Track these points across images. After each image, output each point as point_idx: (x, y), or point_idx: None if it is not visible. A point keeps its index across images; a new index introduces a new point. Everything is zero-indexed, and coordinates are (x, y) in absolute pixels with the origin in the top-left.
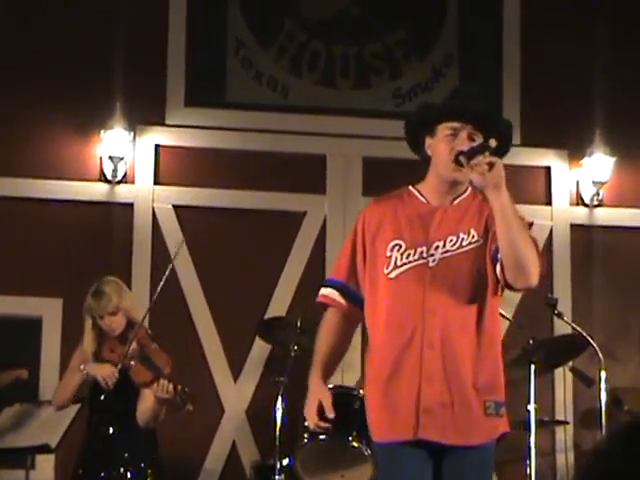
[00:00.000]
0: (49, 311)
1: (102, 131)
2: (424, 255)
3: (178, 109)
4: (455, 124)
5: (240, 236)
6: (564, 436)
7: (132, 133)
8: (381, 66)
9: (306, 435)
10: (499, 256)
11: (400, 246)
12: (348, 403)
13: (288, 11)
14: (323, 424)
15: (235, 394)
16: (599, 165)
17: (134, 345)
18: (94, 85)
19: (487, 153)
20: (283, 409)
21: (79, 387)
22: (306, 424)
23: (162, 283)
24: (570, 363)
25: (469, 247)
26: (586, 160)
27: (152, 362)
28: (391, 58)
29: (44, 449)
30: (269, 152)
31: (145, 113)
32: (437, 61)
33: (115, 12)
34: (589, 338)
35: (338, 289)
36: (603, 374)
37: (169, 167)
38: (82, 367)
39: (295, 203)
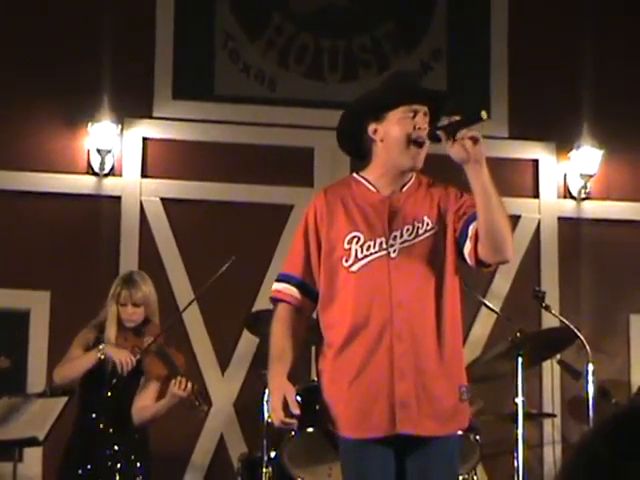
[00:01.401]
0: (37, 304)
1: (89, 124)
2: (384, 246)
3: (166, 102)
4: (416, 105)
5: (228, 229)
6: (552, 429)
7: (120, 126)
8: (369, 59)
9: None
10: (469, 234)
11: (358, 238)
12: None
13: (276, 4)
14: (289, 420)
15: (223, 387)
16: (587, 158)
17: (149, 338)
18: (81, 78)
19: (466, 128)
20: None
21: (91, 366)
22: (270, 421)
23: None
24: (558, 356)
25: (425, 235)
26: (574, 153)
27: (169, 358)
28: (379, 51)
29: (32, 442)
30: (257, 145)
31: (133, 106)
32: (425, 55)
33: (102, 4)
34: (577, 331)
35: (294, 284)
36: (590, 367)
37: (157, 160)
38: (102, 347)
39: (283, 196)
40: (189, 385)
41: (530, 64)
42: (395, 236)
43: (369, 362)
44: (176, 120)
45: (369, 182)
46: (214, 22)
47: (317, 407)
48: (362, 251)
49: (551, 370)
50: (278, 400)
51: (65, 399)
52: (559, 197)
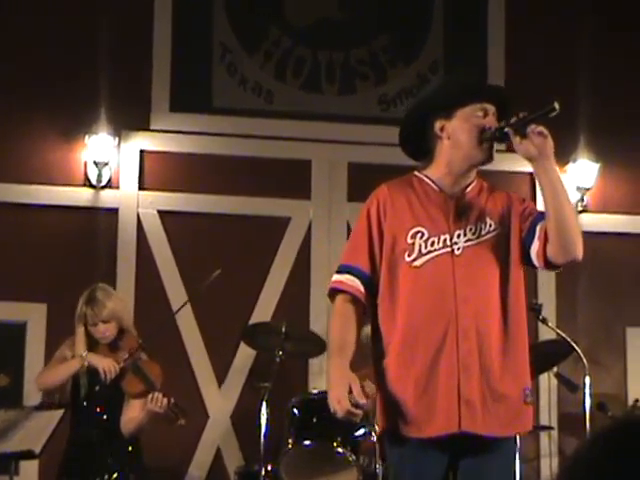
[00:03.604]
0: (33, 316)
1: (87, 136)
2: (448, 243)
3: (163, 114)
4: (486, 104)
5: (225, 241)
6: (549, 441)
7: (117, 138)
8: (366, 71)
9: (290, 441)
10: (537, 233)
11: (423, 233)
12: None
13: (273, 17)
14: (356, 411)
15: (220, 400)
16: (583, 171)
17: (125, 355)
18: (79, 90)
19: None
20: (268, 415)
21: (72, 374)
22: (333, 412)
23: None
24: (555, 369)
25: (488, 236)
26: (570, 166)
27: (144, 374)
28: (376, 64)
29: (28, 455)
30: (254, 157)
31: (130, 118)
32: (422, 67)
33: (100, 17)
34: (573, 344)
35: (356, 276)
36: (587, 380)
37: (154, 172)
38: (84, 354)
39: (280, 208)
40: (164, 401)
41: (527, 77)
42: (459, 234)
43: (435, 360)
44: (173, 133)
45: (432, 180)
46: (212, 35)
47: (314, 419)
48: (426, 246)
49: (548, 383)
50: (344, 390)
51: (61, 412)
52: None
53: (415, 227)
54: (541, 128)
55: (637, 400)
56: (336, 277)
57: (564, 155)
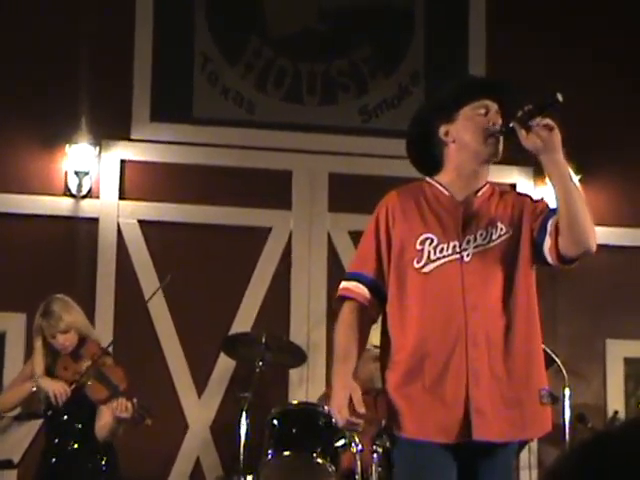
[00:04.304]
0: (12, 326)
1: (67, 145)
2: (457, 249)
3: (144, 124)
4: (486, 101)
5: (205, 251)
6: (528, 453)
7: (97, 148)
8: (347, 83)
9: (270, 451)
10: (549, 229)
11: (432, 240)
12: (313, 419)
13: (255, 27)
14: (355, 420)
15: (199, 410)
16: None
17: (88, 363)
18: (59, 99)
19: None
20: (247, 425)
21: (26, 397)
22: (334, 421)
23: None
24: None
25: (499, 240)
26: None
27: (108, 379)
28: (357, 75)
29: (7, 464)
30: (235, 167)
31: (111, 128)
32: (403, 78)
33: (81, 26)
34: (554, 356)
35: (365, 283)
36: (567, 391)
37: (134, 182)
38: (36, 377)
39: (261, 219)
40: (128, 405)
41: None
42: (469, 240)
43: (445, 367)
44: (154, 142)
45: (442, 186)
46: (193, 45)
47: (294, 430)
48: (435, 253)
49: None
50: (344, 399)
51: (39, 422)
52: None
53: (424, 233)
54: (547, 121)
55: (617, 412)
56: (344, 284)
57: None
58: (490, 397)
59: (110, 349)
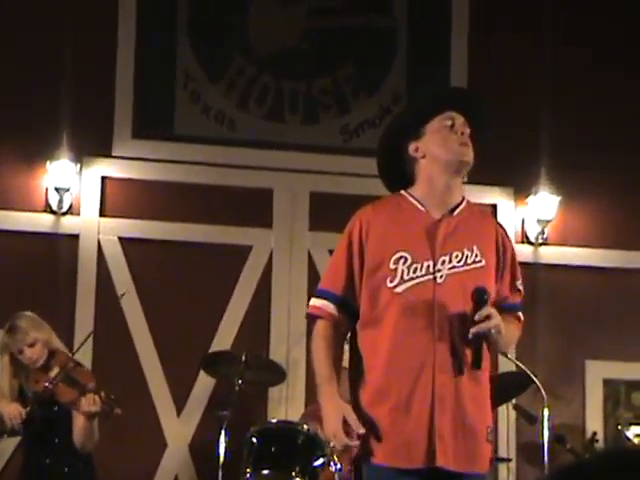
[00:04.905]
0: None
1: (48, 162)
2: (431, 270)
3: (125, 141)
4: (452, 112)
5: (186, 269)
6: (507, 473)
7: (78, 164)
8: (329, 102)
9: (249, 470)
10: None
11: (406, 259)
12: (292, 438)
13: (237, 45)
14: (353, 442)
15: (178, 428)
16: (544, 203)
17: (57, 370)
18: (41, 115)
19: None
20: (226, 443)
21: None
22: (331, 444)
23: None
24: (513, 400)
25: (473, 266)
26: (531, 198)
27: (75, 380)
28: (339, 94)
29: None
30: (216, 185)
31: (92, 144)
32: (385, 99)
33: (63, 43)
34: (532, 376)
35: (333, 302)
36: (546, 412)
37: (115, 199)
38: None
39: (241, 237)
40: (96, 399)
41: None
42: (444, 261)
43: (412, 391)
44: (135, 160)
45: (417, 200)
46: (175, 62)
47: (273, 449)
48: (408, 273)
49: (507, 414)
50: (338, 422)
51: (17, 439)
52: (516, 242)
53: (399, 252)
54: (488, 311)
55: (595, 433)
56: (313, 302)
57: (525, 188)
58: (453, 424)
59: (91, 339)
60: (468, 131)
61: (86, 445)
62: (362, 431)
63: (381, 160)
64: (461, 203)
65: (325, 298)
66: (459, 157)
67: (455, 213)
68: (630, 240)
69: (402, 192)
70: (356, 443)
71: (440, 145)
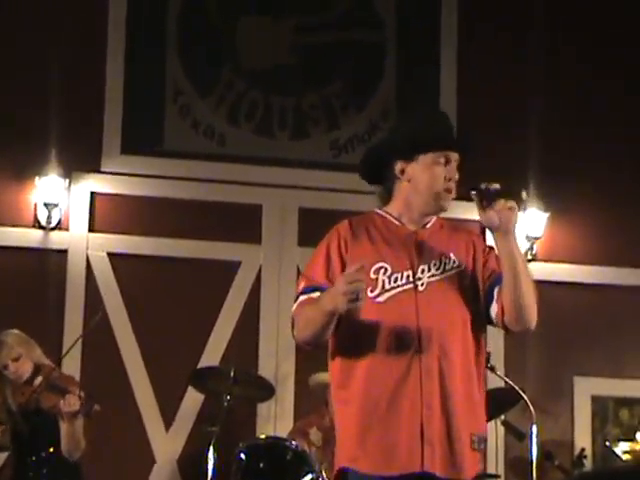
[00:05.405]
0: None
1: (37, 177)
2: (411, 279)
3: (114, 156)
4: (449, 152)
5: (175, 285)
6: None
7: (67, 180)
8: (319, 117)
9: None
10: (495, 295)
11: (386, 269)
12: (280, 454)
13: (227, 60)
14: (351, 295)
15: (167, 443)
16: (533, 220)
17: (40, 380)
18: (30, 131)
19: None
20: (215, 459)
21: None
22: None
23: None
24: (502, 417)
25: (452, 272)
26: (520, 215)
27: (57, 386)
28: (329, 109)
29: None
30: (205, 201)
31: (81, 160)
32: (374, 114)
33: (52, 58)
34: (521, 392)
35: (319, 292)
36: (534, 428)
37: (104, 214)
38: None
39: (230, 252)
40: (75, 399)
41: (477, 127)
42: (423, 269)
43: (396, 397)
44: (124, 175)
45: (393, 217)
46: (164, 77)
47: (261, 465)
48: (389, 282)
49: (495, 430)
50: (334, 291)
51: (5, 454)
52: None
53: (378, 262)
54: (512, 204)
55: (583, 449)
56: (300, 299)
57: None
58: (440, 431)
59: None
60: (456, 177)
61: (72, 452)
62: (360, 265)
63: (363, 167)
64: (432, 219)
65: (312, 291)
66: (439, 201)
67: (427, 226)
68: (618, 257)
69: (377, 210)
70: (354, 287)
71: (427, 181)
